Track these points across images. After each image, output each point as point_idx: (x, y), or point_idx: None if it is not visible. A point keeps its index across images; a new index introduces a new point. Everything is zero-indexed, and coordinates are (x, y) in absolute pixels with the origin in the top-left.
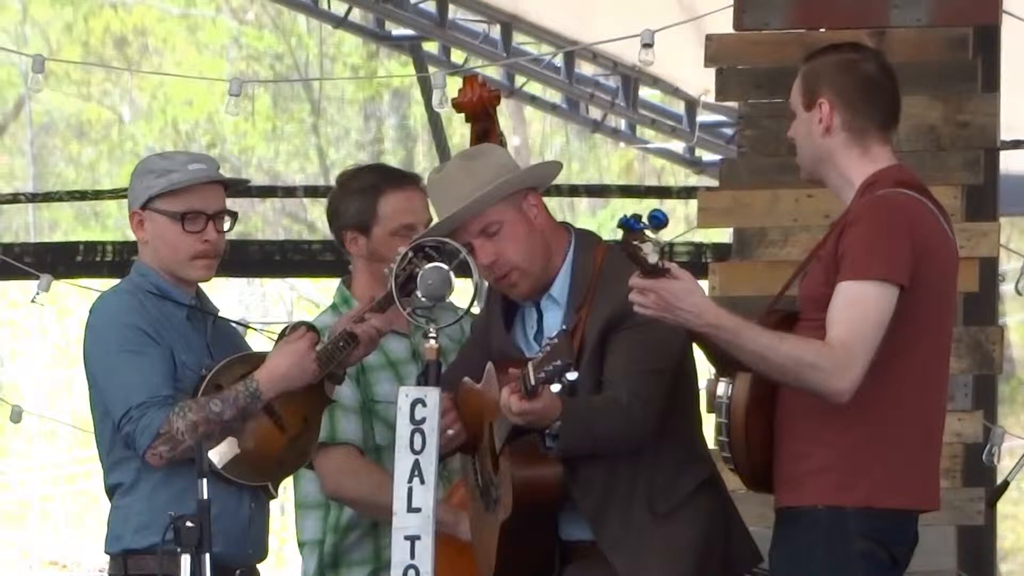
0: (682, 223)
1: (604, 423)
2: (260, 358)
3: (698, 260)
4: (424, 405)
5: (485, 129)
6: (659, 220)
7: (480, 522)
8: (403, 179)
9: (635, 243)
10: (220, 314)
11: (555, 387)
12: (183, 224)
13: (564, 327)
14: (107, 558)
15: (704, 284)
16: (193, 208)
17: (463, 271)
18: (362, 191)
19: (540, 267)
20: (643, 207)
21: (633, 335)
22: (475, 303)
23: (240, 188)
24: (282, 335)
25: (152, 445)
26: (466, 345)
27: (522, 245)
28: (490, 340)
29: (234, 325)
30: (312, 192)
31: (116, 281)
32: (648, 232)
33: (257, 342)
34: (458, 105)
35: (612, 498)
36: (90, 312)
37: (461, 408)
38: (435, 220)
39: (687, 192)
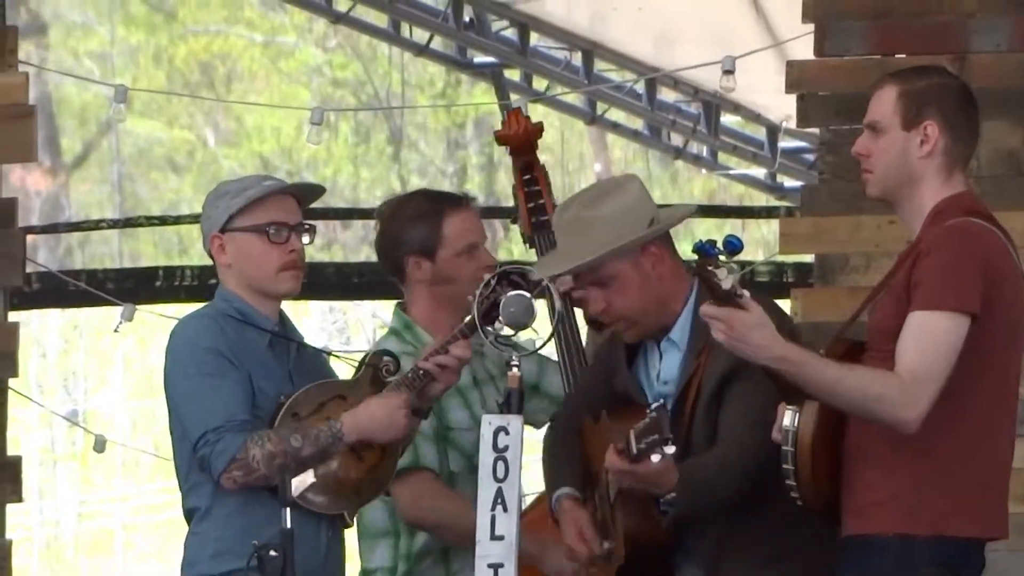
0: (763, 247)
1: (720, 491)
2: (340, 385)
3: (779, 280)
4: (507, 433)
5: (528, 162)
6: (734, 246)
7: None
8: (459, 200)
9: (709, 268)
10: (304, 341)
11: (655, 457)
12: (268, 236)
13: (662, 400)
14: None
15: (786, 307)
16: (275, 219)
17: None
18: (423, 216)
19: (651, 318)
20: (725, 228)
21: (748, 387)
22: (554, 332)
23: (316, 196)
24: (362, 362)
25: (227, 469)
26: (589, 371)
27: (633, 298)
28: (613, 370)
29: (321, 353)
30: None
31: (196, 306)
32: (722, 258)
33: (339, 369)
34: (501, 138)
35: (726, 546)
36: (170, 336)
37: (584, 440)
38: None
39: (768, 212)
